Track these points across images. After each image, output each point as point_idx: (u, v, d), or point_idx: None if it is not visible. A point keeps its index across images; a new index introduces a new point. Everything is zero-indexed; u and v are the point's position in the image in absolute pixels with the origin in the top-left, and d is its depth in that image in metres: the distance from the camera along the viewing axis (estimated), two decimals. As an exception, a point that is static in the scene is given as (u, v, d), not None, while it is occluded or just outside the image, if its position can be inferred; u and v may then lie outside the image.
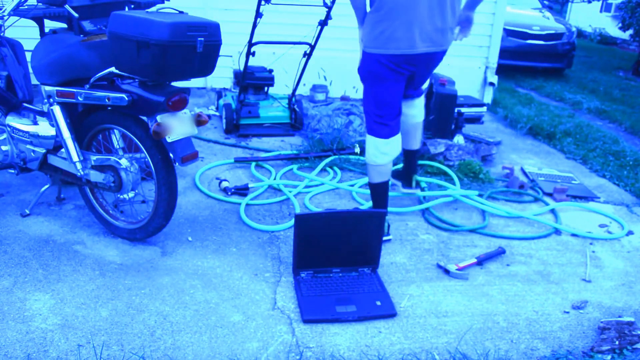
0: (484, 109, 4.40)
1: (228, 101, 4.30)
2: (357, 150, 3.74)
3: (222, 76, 5.36)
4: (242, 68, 4.13)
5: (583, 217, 3.22)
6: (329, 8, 3.82)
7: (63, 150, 2.46)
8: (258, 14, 3.75)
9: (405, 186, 3.11)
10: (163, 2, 2.91)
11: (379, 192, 2.64)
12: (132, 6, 2.79)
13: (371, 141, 2.58)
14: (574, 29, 8.63)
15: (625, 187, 3.75)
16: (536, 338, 2.07)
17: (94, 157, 2.46)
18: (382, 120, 2.52)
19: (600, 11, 16.47)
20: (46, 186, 2.80)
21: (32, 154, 2.61)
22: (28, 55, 2.59)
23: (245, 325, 2.02)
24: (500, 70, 6.37)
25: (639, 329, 2.06)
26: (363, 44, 2.47)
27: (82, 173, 2.45)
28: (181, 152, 2.26)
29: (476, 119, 4.36)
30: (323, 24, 3.92)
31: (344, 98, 5.43)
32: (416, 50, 2.37)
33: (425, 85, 2.90)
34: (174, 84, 2.31)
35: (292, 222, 2.72)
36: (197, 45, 2.13)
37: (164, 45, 2.02)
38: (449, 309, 2.21)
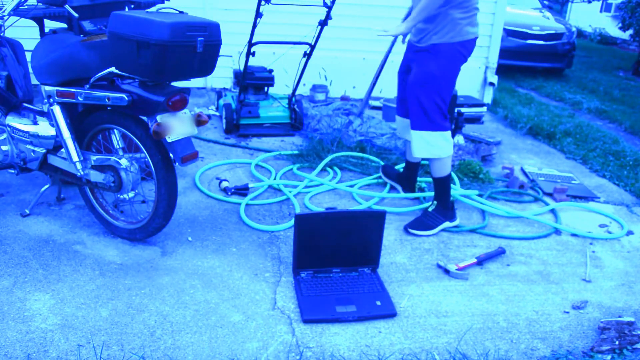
0: (484, 109, 4.41)
1: (228, 101, 4.30)
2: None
3: (222, 76, 5.36)
4: (242, 68, 4.13)
5: (583, 217, 3.22)
6: (329, 8, 3.82)
7: (63, 150, 2.46)
8: (258, 14, 3.75)
9: (406, 192, 3.24)
10: (163, 2, 2.92)
11: (448, 181, 2.83)
12: (132, 6, 2.79)
13: (441, 136, 2.73)
14: (574, 29, 8.63)
15: (625, 187, 3.75)
16: (536, 338, 2.07)
17: (94, 157, 2.46)
18: (446, 116, 2.74)
19: (600, 11, 16.49)
20: (46, 186, 2.80)
21: (32, 154, 2.61)
22: (28, 55, 2.59)
23: (245, 325, 2.02)
24: (500, 70, 6.37)
25: (639, 329, 2.06)
26: (444, 38, 2.64)
27: (82, 173, 2.45)
28: (181, 152, 2.26)
29: (476, 119, 4.36)
30: (323, 24, 3.92)
31: (344, 98, 5.44)
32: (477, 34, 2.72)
33: None
34: (174, 84, 2.31)
35: (292, 222, 2.72)
36: (197, 45, 2.13)
37: (164, 45, 2.02)
38: (449, 309, 2.21)
